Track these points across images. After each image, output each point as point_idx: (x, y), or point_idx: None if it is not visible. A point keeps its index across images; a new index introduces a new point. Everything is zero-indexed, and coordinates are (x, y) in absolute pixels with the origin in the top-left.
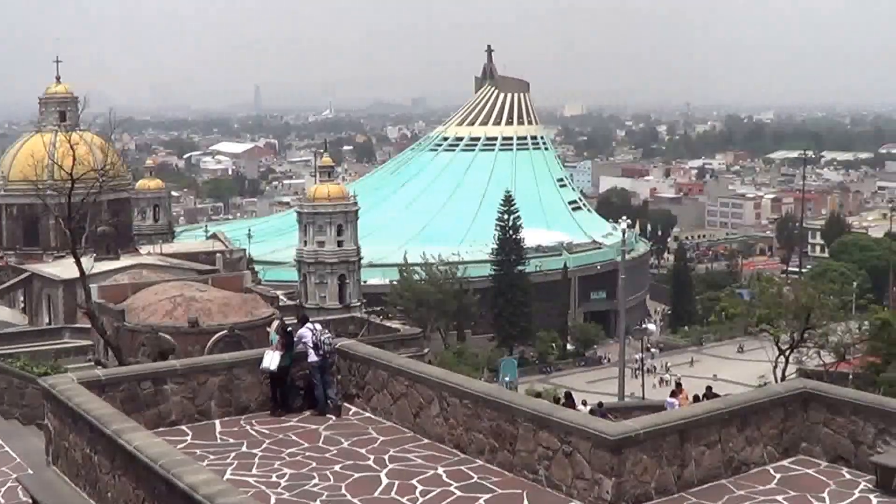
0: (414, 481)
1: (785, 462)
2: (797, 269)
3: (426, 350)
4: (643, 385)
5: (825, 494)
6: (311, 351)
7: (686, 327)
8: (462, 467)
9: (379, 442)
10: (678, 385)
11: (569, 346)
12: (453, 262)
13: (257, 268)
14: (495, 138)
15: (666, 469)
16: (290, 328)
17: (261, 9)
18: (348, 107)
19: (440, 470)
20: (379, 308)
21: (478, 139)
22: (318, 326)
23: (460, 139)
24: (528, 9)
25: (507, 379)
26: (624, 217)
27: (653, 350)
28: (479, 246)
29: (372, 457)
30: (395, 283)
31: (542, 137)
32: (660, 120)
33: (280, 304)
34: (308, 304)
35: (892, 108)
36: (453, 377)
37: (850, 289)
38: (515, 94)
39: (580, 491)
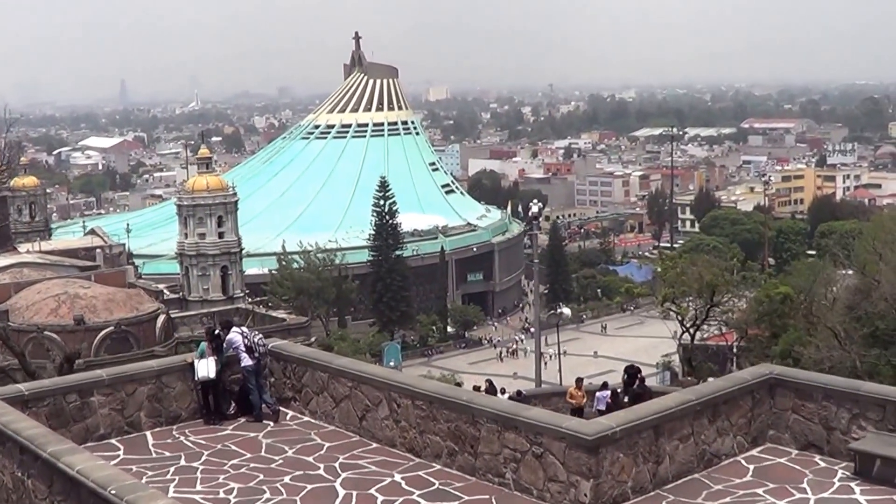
0: (372, 491)
1: (755, 452)
2: (669, 244)
3: (313, 339)
4: (560, 370)
5: (805, 485)
6: (244, 355)
7: (554, 304)
8: (420, 473)
9: (325, 448)
10: (578, 381)
11: (449, 329)
12: (331, 250)
13: (136, 262)
14: (366, 125)
15: (642, 467)
16: (217, 332)
17: (120, 1)
18: (214, 98)
19: (397, 477)
20: (264, 298)
21: (349, 126)
22: (246, 329)
23: (332, 126)
24: None
25: (391, 364)
26: (535, 200)
27: (532, 330)
28: (356, 232)
29: (322, 465)
30: (273, 272)
31: (412, 122)
32: (524, 102)
33: (164, 297)
34: (191, 296)
35: (751, 83)
36: (402, 377)
37: (748, 265)
38: (384, 80)
39: (554, 494)
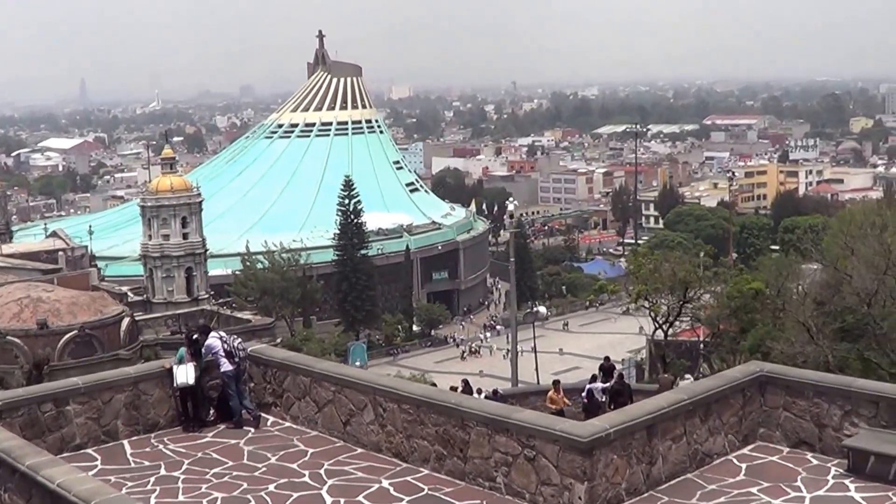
0: (360, 497)
1: (745, 450)
2: (633, 241)
3: (278, 340)
4: (537, 369)
5: (799, 482)
6: (223, 360)
7: (529, 303)
8: (408, 478)
9: (309, 454)
10: (556, 384)
11: (414, 328)
12: (295, 249)
13: (99, 264)
14: (330, 123)
15: (635, 468)
16: (195, 337)
17: (79, 1)
18: (176, 97)
19: (385, 483)
20: (228, 299)
21: (313, 125)
22: (224, 334)
23: (295, 125)
24: None
25: (357, 364)
26: (511, 198)
27: (498, 328)
28: (321, 231)
29: (306, 472)
30: (237, 272)
31: (376, 121)
32: (486, 100)
33: (128, 300)
34: (156, 298)
35: (713, 80)
36: (387, 381)
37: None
38: (348, 79)
39: (547, 498)
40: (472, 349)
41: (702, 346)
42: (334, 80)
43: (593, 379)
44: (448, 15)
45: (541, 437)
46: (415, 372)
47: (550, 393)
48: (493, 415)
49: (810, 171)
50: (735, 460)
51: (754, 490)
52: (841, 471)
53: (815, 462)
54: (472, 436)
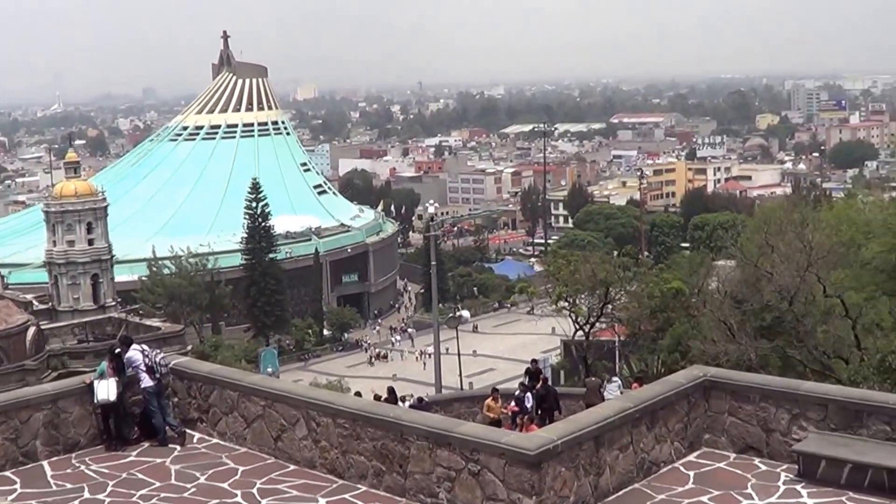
0: None
1: (692, 457)
2: (543, 241)
3: (189, 347)
4: (461, 374)
5: (749, 490)
6: (144, 375)
7: (441, 305)
8: (345, 496)
9: (240, 473)
10: (495, 392)
11: (325, 332)
12: (203, 254)
13: (1, 271)
14: (236, 125)
15: (583, 480)
16: (118, 350)
17: None
18: (77, 100)
19: (322, 501)
20: (137, 306)
21: (218, 127)
22: (146, 347)
23: (200, 128)
24: None
25: (269, 370)
26: (431, 201)
27: (409, 331)
28: (228, 235)
29: (238, 491)
30: (144, 279)
31: (283, 122)
32: (392, 100)
33: (33, 308)
34: (61, 306)
35: (619, 78)
36: (321, 394)
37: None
38: (253, 80)
39: None
40: (380, 354)
41: (619, 346)
42: (240, 81)
43: (524, 388)
44: (352, 15)
45: (485, 450)
46: (331, 378)
47: (488, 401)
48: (435, 428)
49: (718, 169)
50: (682, 468)
51: (705, 499)
52: (791, 476)
53: (763, 468)
54: (412, 450)
